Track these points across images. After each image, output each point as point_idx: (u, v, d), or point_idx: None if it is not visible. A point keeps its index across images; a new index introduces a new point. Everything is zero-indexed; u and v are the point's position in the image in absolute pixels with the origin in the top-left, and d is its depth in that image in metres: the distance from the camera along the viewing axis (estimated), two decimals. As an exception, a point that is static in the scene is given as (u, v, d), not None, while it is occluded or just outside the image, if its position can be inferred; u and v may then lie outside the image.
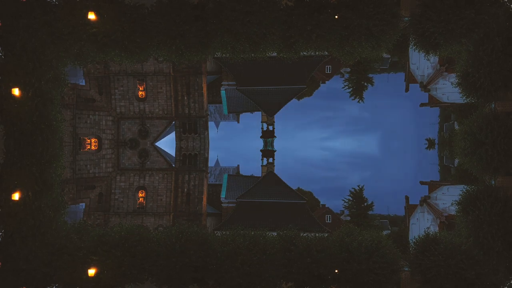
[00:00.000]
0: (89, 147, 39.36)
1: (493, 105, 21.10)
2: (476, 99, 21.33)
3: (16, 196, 20.87)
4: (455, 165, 35.58)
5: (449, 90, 29.92)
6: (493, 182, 21.30)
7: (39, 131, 21.58)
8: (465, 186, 22.32)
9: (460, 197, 21.58)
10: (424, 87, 32.27)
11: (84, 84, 39.12)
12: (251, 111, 48.37)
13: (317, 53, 22.78)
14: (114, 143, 40.68)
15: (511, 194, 20.39)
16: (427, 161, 47.35)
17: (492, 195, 20.24)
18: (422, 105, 33.55)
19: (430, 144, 41.88)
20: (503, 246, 19.34)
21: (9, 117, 21.26)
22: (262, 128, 45.33)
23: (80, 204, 38.75)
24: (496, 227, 19.37)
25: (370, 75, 44.44)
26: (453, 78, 23.94)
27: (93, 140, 39.73)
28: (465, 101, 22.45)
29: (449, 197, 29.82)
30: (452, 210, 24.60)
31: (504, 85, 19.78)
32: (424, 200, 33.19)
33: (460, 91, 21.68)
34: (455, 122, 36.28)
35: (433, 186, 33.39)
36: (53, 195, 22.46)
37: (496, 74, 19.46)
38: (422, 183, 34.63)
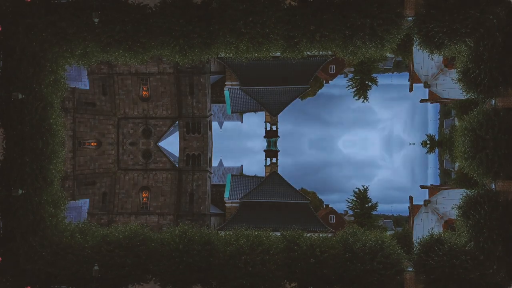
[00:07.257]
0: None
1: (493, 101, 20.91)
2: (476, 95, 21.18)
3: (16, 192, 21.05)
4: (455, 169, 35.32)
5: (449, 86, 29.71)
6: (493, 186, 21.09)
7: (39, 135, 21.73)
8: (466, 190, 22.15)
9: (460, 201, 21.41)
10: (429, 86, 32.13)
11: (88, 88, 39.18)
12: (255, 111, 48.36)
13: (320, 53, 22.71)
14: (115, 147, 40.71)
15: (512, 199, 20.25)
16: (427, 165, 47.31)
17: (492, 199, 20.07)
18: (422, 101, 33.42)
19: (432, 144, 41.52)
20: (504, 251, 19.20)
21: (9, 121, 21.42)
22: (265, 128, 45.19)
23: (81, 200, 38.82)
24: (496, 231, 19.22)
25: (374, 75, 44.33)
26: (453, 74, 23.75)
27: (93, 145, 39.83)
28: (466, 97, 22.29)
29: (449, 201, 29.56)
30: (453, 214, 24.36)
31: (504, 80, 19.61)
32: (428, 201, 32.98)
33: (460, 87, 21.55)
34: (455, 118, 36.07)
35: (433, 190, 33.09)
36: (53, 191, 22.63)
37: (496, 69, 19.30)
38: (422, 187, 34.44)
